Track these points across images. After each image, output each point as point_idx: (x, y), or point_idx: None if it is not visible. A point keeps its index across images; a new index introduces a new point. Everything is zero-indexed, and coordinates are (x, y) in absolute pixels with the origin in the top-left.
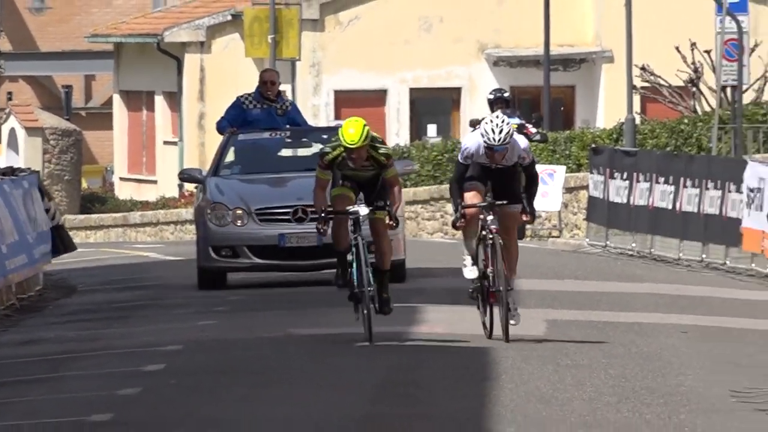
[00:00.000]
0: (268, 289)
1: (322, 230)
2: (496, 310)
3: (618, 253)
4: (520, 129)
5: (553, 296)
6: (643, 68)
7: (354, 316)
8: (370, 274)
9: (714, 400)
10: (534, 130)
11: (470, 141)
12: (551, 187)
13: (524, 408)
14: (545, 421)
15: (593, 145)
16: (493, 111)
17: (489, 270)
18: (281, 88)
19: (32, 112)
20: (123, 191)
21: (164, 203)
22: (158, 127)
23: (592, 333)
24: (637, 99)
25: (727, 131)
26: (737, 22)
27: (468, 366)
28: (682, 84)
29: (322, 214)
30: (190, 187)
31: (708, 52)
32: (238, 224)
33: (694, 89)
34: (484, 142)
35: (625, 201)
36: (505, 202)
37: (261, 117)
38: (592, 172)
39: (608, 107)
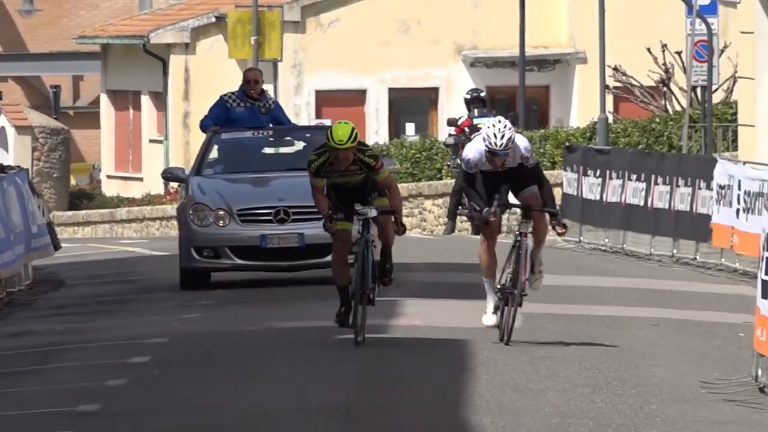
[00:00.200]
0: (252, 283)
1: (332, 229)
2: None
3: (591, 248)
4: None
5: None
6: (615, 69)
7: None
8: (371, 276)
9: (684, 391)
10: None
11: (471, 151)
12: None
13: (500, 398)
14: (520, 411)
15: (567, 144)
16: (469, 110)
17: (508, 270)
18: (264, 87)
19: (22, 111)
20: (110, 188)
21: (150, 200)
22: (144, 125)
23: (567, 326)
24: (609, 99)
25: (698, 130)
26: (707, 24)
27: (445, 357)
28: (653, 84)
29: (329, 213)
30: (175, 183)
31: (678, 53)
32: (220, 225)
33: (665, 89)
34: (486, 146)
35: (598, 198)
36: (537, 209)
37: (244, 115)
38: (566, 170)
39: (582, 107)
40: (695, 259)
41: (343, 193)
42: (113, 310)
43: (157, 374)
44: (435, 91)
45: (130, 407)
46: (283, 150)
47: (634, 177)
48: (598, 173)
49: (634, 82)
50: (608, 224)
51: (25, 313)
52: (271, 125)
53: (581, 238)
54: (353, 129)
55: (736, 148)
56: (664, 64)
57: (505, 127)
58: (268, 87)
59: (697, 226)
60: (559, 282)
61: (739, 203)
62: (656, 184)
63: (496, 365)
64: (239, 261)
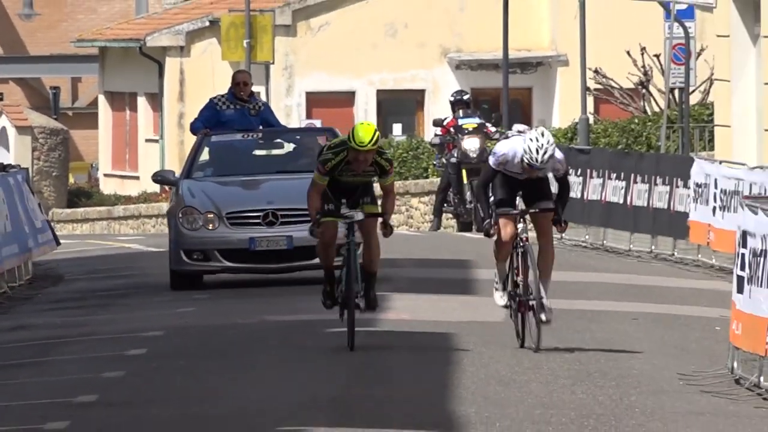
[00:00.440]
0: (245, 279)
1: (318, 234)
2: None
3: (572, 245)
4: (480, 128)
5: None
6: (596, 71)
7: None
8: (360, 278)
9: (663, 383)
10: (493, 129)
11: (507, 147)
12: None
13: (485, 390)
14: (504, 402)
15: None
16: (454, 112)
17: (519, 279)
18: (255, 89)
19: (22, 112)
20: (107, 186)
21: (146, 198)
22: (140, 126)
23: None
24: (590, 100)
25: (675, 130)
26: (684, 28)
27: (431, 350)
28: (632, 86)
29: (317, 217)
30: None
31: (657, 56)
32: (209, 228)
33: (644, 91)
34: (526, 160)
35: (579, 196)
36: (537, 210)
37: (234, 117)
38: None
39: (563, 108)
40: (673, 255)
41: (339, 190)
42: (111, 305)
43: (153, 366)
44: (421, 92)
45: (127, 398)
46: (272, 152)
47: (614, 176)
48: (579, 172)
49: (614, 84)
50: (589, 221)
51: (26, 307)
52: (260, 127)
53: (563, 235)
54: (375, 131)
55: (712, 148)
56: (643, 66)
57: (548, 142)
58: (260, 89)
59: (674, 224)
60: None
61: (715, 201)
62: (635, 182)
63: (481, 358)
64: (228, 263)
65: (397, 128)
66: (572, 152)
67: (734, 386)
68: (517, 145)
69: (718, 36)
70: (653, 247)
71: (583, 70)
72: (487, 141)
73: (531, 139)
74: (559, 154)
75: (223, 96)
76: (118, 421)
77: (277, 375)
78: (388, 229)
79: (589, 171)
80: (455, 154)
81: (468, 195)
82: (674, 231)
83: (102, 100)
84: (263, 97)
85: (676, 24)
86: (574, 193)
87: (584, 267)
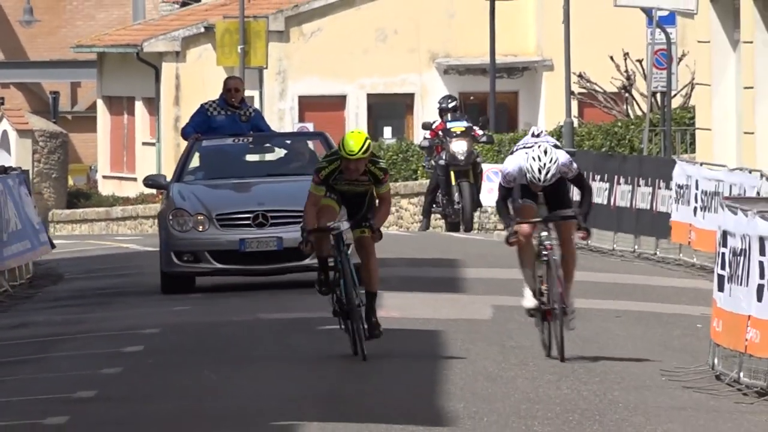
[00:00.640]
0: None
1: (306, 251)
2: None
3: (558, 244)
4: (468, 131)
5: (498, 284)
6: (580, 76)
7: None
8: (357, 292)
9: (645, 378)
10: (481, 132)
11: (512, 165)
12: (497, 184)
13: (472, 386)
14: (491, 398)
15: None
16: (442, 118)
17: (544, 287)
18: (249, 93)
19: (23, 115)
20: (106, 188)
21: (143, 199)
22: (138, 129)
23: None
24: (575, 104)
25: (657, 133)
26: (666, 34)
27: (421, 347)
28: (616, 90)
29: (306, 235)
30: None
31: (639, 61)
32: (200, 230)
33: (627, 95)
34: (529, 178)
35: None
36: (558, 218)
37: (225, 123)
38: None
39: (548, 111)
40: (655, 254)
41: (344, 199)
42: (109, 303)
43: (150, 363)
44: (411, 96)
45: (125, 394)
46: (263, 157)
47: (598, 177)
48: None
49: (597, 89)
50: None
51: (26, 305)
52: (251, 132)
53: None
54: (366, 140)
55: (693, 150)
56: (626, 71)
57: (550, 161)
58: (253, 93)
59: (657, 224)
60: None
61: (696, 202)
62: (619, 184)
63: (469, 354)
64: (219, 265)
65: (387, 131)
66: None
67: (715, 382)
68: (522, 161)
69: (699, 42)
70: (636, 247)
71: (567, 74)
72: (475, 144)
73: (533, 159)
74: (563, 159)
75: (214, 102)
76: (116, 416)
77: (271, 371)
78: (376, 234)
79: None
80: (444, 157)
81: (456, 196)
82: (657, 231)
83: (100, 104)
84: (257, 101)
85: (658, 30)
86: None
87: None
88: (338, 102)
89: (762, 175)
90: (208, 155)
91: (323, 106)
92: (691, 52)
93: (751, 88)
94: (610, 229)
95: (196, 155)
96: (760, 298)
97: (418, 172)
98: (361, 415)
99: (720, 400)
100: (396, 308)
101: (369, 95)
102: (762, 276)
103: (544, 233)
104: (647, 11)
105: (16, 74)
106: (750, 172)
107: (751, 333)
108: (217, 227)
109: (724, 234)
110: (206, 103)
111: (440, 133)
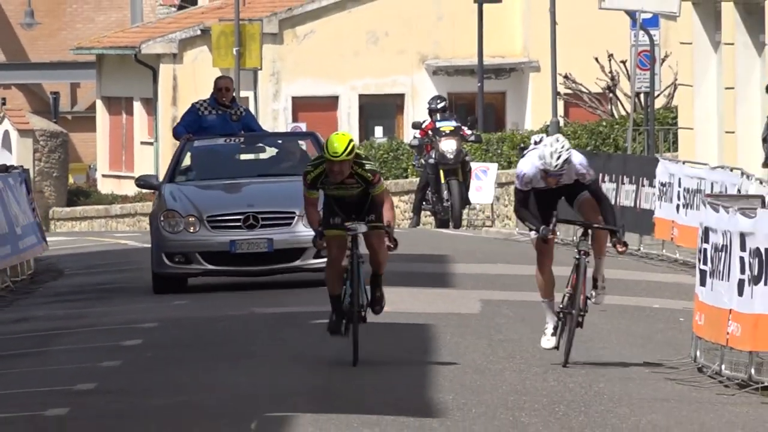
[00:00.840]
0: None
1: (321, 246)
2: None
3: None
4: (457, 131)
5: (487, 279)
6: (566, 77)
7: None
8: (366, 295)
9: (629, 371)
10: (469, 132)
11: (526, 166)
12: (485, 182)
13: (462, 378)
14: (480, 390)
15: (522, 145)
16: (432, 118)
17: (568, 289)
18: (244, 94)
19: (24, 116)
20: (105, 186)
21: (141, 197)
22: (136, 129)
23: (522, 311)
24: (560, 104)
25: (641, 133)
26: (649, 36)
27: (411, 341)
28: (600, 91)
29: (321, 229)
30: None
31: (624, 62)
32: (191, 231)
33: (611, 95)
34: (542, 166)
35: None
36: (599, 226)
37: (216, 123)
38: None
39: (535, 111)
40: (639, 250)
41: (342, 205)
42: (108, 298)
43: (148, 356)
44: (401, 97)
45: (124, 386)
46: (254, 156)
47: None
48: None
49: (583, 89)
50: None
51: (28, 300)
52: (242, 132)
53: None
54: (350, 141)
55: (676, 149)
56: (611, 72)
57: (562, 147)
58: (248, 93)
59: (640, 220)
60: (515, 271)
61: (678, 199)
62: (603, 182)
63: (458, 348)
64: (209, 266)
65: (378, 131)
66: None
67: (697, 374)
68: (535, 159)
69: (682, 43)
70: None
71: (553, 75)
72: (463, 143)
73: (545, 145)
74: (579, 159)
75: (205, 101)
76: (115, 408)
77: (266, 365)
78: (392, 243)
79: None
80: (433, 155)
81: (445, 194)
82: (640, 227)
83: (99, 105)
84: (252, 102)
85: (641, 32)
86: None
87: (556, 261)
88: (331, 102)
89: (742, 173)
90: (200, 155)
91: (316, 106)
92: (673, 53)
93: (732, 88)
94: None
95: (188, 155)
96: (741, 293)
97: (409, 170)
98: (353, 406)
99: (702, 392)
100: (387, 303)
101: (360, 96)
102: (743, 271)
103: (582, 238)
104: (631, 14)
105: (17, 75)
106: (731, 170)
107: (732, 326)
108: (208, 228)
109: (706, 230)
110: (197, 103)
111: (430, 132)
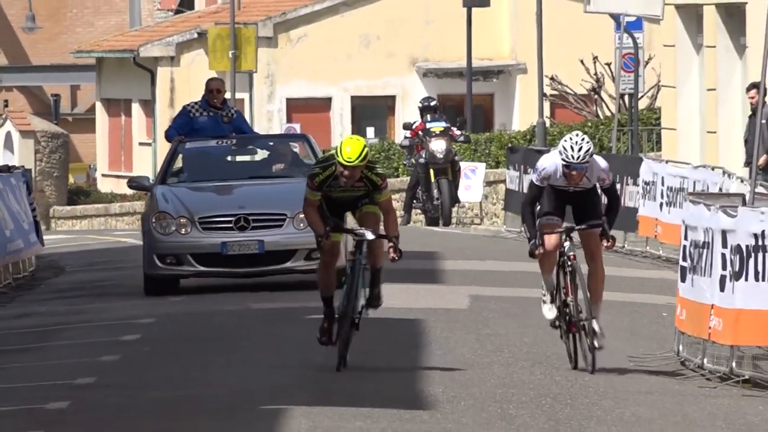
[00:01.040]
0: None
1: (327, 245)
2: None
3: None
4: (446, 131)
5: (475, 275)
6: (552, 78)
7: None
8: (363, 299)
9: (614, 364)
10: (458, 132)
11: (548, 161)
12: (473, 181)
13: (451, 371)
14: (468, 383)
15: (509, 145)
16: (423, 117)
17: (569, 299)
18: (239, 96)
19: (25, 117)
20: (104, 186)
21: (140, 196)
22: (135, 130)
23: (509, 306)
24: (547, 105)
25: (625, 133)
26: (633, 39)
27: (402, 336)
28: (586, 92)
29: (327, 229)
30: None
31: (608, 64)
32: (182, 233)
33: (596, 97)
34: (563, 160)
35: None
36: (584, 226)
37: (207, 124)
38: (509, 169)
39: (522, 112)
40: (623, 247)
41: (334, 203)
42: (107, 294)
43: (146, 351)
44: (392, 98)
45: (123, 380)
46: (246, 158)
47: None
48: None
49: (568, 91)
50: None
51: (29, 296)
52: (233, 134)
53: (522, 228)
54: (364, 147)
55: (659, 149)
56: (596, 74)
57: (582, 140)
58: (244, 95)
59: (625, 218)
60: (502, 268)
61: (662, 197)
62: None
63: (448, 342)
64: (201, 268)
65: (370, 131)
66: (531, 153)
67: (680, 367)
68: (557, 157)
69: (665, 46)
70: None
71: (540, 77)
72: (453, 143)
73: (565, 140)
74: (602, 163)
75: (196, 103)
76: (114, 401)
77: (260, 359)
78: (397, 253)
79: None
80: (423, 155)
81: (435, 192)
82: (625, 225)
83: (99, 107)
84: (247, 103)
85: (625, 35)
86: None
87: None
88: (324, 104)
89: (724, 172)
90: (192, 157)
91: (309, 107)
92: (656, 55)
93: (714, 90)
94: None
95: (180, 157)
96: (722, 289)
97: (400, 169)
98: (344, 399)
99: (685, 385)
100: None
101: (353, 97)
102: (724, 267)
103: (568, 243)
104: (615, 17)
105: (19, 78)
106: (713, 169)
107: (714, 321)
108: (200, 230)
109: (688, 228)
110: (188, 105)
111: (420, 132)
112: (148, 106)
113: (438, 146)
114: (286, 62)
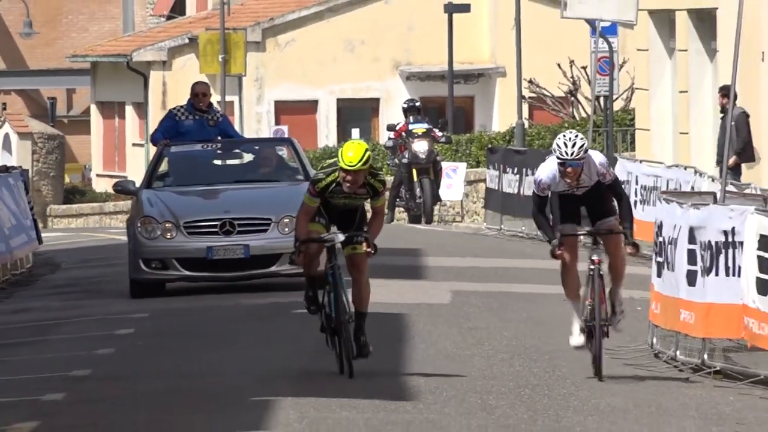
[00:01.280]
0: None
1: (298, 261)
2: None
3: (511, 235)
4: (429, 133)
5: (457, 271)
6: (530, 81)
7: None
8: (349, 303)
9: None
10: (440, 134)
11: (544, 172)
12: (455, 181)
13: (433, 363)
14: (450, 374)
15: (489, 146)
16: (406, 117)
17: (588, 302)
18: (229, 99)
19: (23, 119)
20: (99, 185)
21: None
22: (128, 132)
23: (490, 301)
24: (525, 107)
25: (601, 134)
26: (608, 43)
27: (386, 329)
28: (563, 94)
29: (298, 245)
30: None
31: (584, 67)
32: (167, 237)
33: (572, 99)
34: (557, 157)
35: (516, 192)
36: (604, 230)
37: (193, 128)
38: (489, 168)
39: (502, 114)
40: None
41: (332, 210)
42: (102, 290)
43: (140, 344)
44: (376, 101)
45: (117, 372)
46: (232, 162)
47: None
48: (515, 171)
49: (546, 93)
50: (525, 214)
51: (26, 292)
52: (218, 138)
53: (502, 226)
54: (366, 150)
55: (633, 149)
56: (572, 77)
57: (576, 136)
58: (233, 98)
59: None
60: (483, 264)
61: (636, 196)
62: None
63: (431, 336)
64: (186, 272)
65: (355, 132)
66: (510, 153)
67: (653, 359)
68: (552, 163)
69: (638, 50)
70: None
71: (519, 80)
72: (435, 144)
73: (559, 138)
74: (599, 158)
75: (182, 107)
76: (109, 393)
77: (250, 352)
78: (372, 249)
79: (524, 169)
80: (406, 156)
81: (418, 191)
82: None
83: (94, 109)
84: (237, 106)
85: (601, 39)
86: (512, 189)
87: (521, 254)
88: (310, 106)
89: (696, 172)
90: (177, 161)
91: (297, 110)
92: (631, 59)
93: (686, 92)
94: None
95: (165, 161)
96: (693, 283)
97: (383, 169)
98: (331, 390)
99: (658, 376)
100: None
101: (338, 100)
102: (694, 263)
103: (594, 247)
104: (591, 22)
105: (16, 82)
106: (685, 169)
107: (684, 315)
108: (185, 235)
109: (661, 225)
110: (174, 108)
111: (403, 134)
112: (141, 108)
113: (420, 147)
114: (274, 66)
